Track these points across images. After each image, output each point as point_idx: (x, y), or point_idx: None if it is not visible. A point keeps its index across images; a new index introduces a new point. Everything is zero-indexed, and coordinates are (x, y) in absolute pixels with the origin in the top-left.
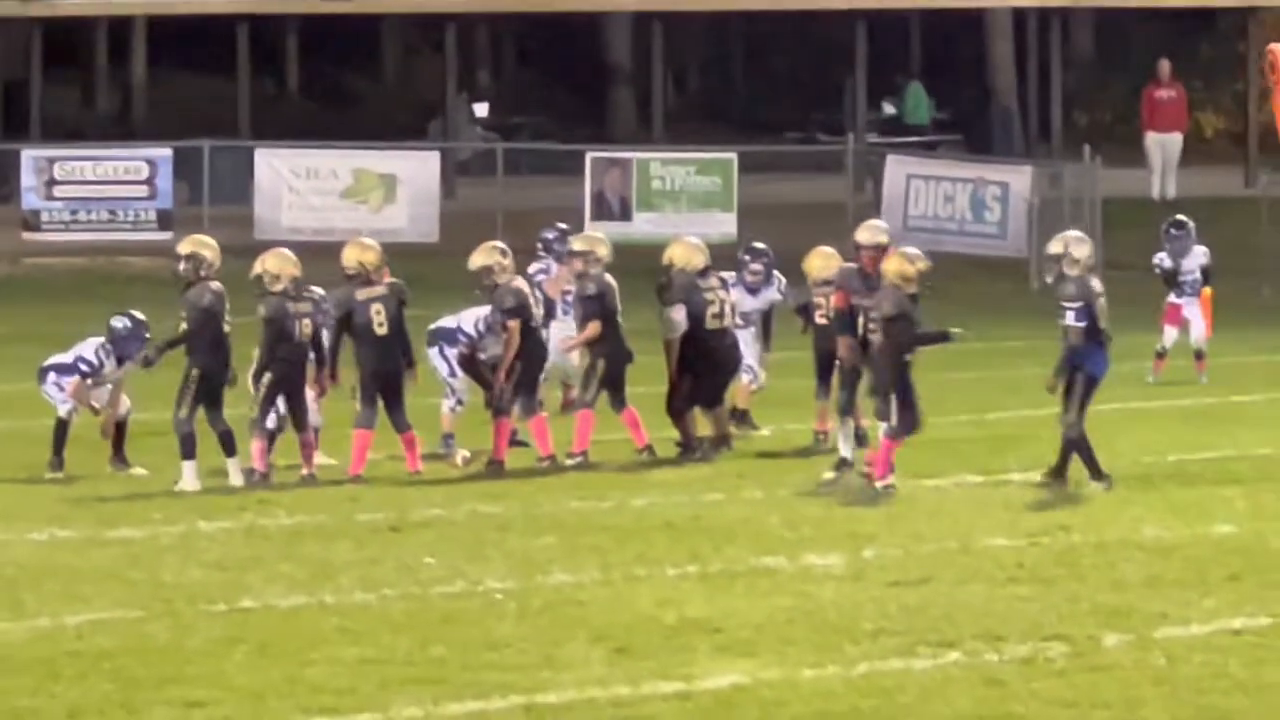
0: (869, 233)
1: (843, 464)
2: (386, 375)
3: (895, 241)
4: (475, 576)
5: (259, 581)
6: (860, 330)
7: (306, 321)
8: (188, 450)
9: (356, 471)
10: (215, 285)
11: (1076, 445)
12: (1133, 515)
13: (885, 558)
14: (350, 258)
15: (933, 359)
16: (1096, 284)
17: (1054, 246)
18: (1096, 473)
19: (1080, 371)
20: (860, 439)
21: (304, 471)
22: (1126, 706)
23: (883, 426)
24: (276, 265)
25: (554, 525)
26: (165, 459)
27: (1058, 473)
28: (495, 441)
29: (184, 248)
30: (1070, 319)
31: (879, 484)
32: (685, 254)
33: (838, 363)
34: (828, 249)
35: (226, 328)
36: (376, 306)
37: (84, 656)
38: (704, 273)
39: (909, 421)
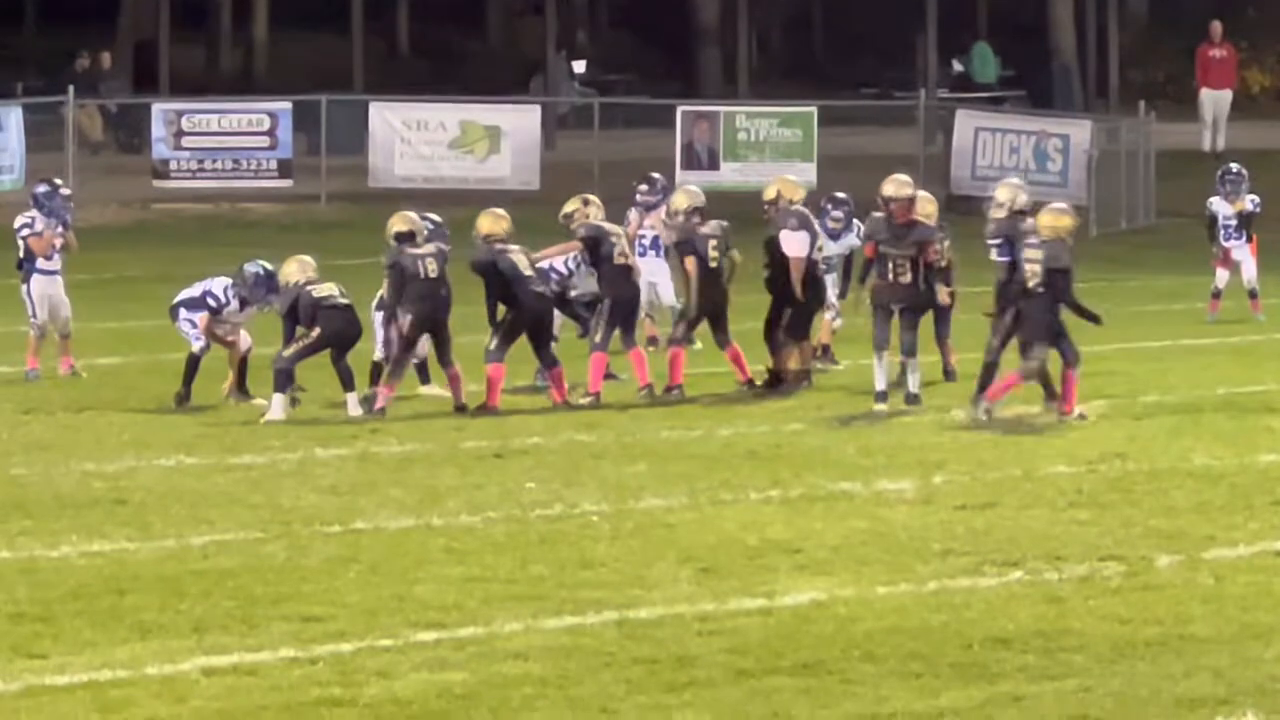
0: (895, 186)
1: (881, 396)
2: (538, 316)
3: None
4: (572, 500)
5: (371, 505)
6: (890, 275)
7: (431, 261)
8: (280, 384)
9: (494, 402)
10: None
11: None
12: (1183, 445)
13: (953, 484)
14: (489, 226)
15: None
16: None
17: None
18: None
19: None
20: (948, 374)
21: (456, 404)
22: (1176, 622)
23: (1022, 365)
24: (401, 223)
25: (645, 453)
26: None
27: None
28: (591, 375)
29: None
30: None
31: (1074, 414)
32: (789, 189)
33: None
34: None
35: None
36: (523, 260)
37: (208, 575)
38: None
39: (1074, 352)
